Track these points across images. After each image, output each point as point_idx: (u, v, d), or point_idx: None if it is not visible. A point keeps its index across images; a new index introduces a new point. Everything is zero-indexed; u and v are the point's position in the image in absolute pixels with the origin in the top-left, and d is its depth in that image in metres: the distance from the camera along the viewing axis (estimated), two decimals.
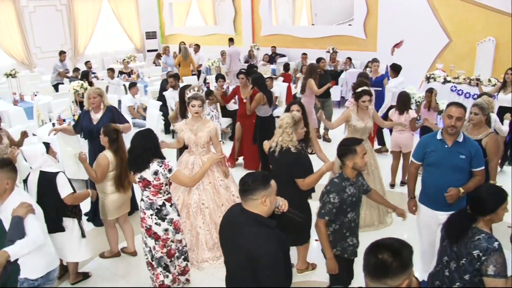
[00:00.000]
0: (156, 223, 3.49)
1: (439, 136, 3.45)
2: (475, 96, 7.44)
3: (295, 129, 3.66)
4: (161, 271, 3.63)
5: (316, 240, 3.38)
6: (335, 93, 9.97)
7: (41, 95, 9.23)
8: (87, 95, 4.94)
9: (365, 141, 4.76)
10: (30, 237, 2.83)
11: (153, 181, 3.39)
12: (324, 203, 3.08)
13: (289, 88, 9.02)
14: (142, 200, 3.56)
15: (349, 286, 3.33)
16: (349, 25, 13.14)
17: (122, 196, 4.32)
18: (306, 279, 4.14)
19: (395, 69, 7.33)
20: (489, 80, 8.02)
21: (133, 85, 8.37)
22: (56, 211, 3.72)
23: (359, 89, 4.94)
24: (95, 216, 5.18)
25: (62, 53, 11.34)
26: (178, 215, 3.62)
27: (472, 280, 2.51)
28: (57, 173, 3.70)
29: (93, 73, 10.91)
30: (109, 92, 9.68)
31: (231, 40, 12.53)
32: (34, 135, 6.79)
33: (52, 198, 3.67)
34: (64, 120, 6.70)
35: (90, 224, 5.25)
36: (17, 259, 2.85)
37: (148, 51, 16.82)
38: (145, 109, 8.31)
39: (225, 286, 2.55)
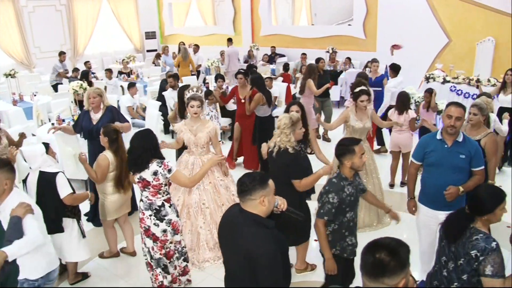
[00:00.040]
0: (154, 224, 3.49)
1: (438, 136, 3.45)
2: (475, 96, 7.43)
3: (293, 130, 3.65)
4: (160, 272, 3.63)
5: (315, 240, 3.38)
6: (335, 93, 9.97)
7: (41, 95, 9.23)
8: (87, 95, 4.94)
9: (364, 141, 4.77)
10: (28, 237, 2.82)
11: (152, 182, 3.39)
12: (323, 203, 3.08)
13: (288, 88, 9.02)
14: (141, 200, 3.56)
15: (347, 286, 3.33)
16: (349, 25, 13.15)
17: (122, 196, 4.31)
18: (305, 279, 4.14)
19: (394, 69, 7.34)
20: (489, 80, 8.02)
21: (132, 85, 8.37)
22: (55, 211, 3.72)
23: (357, 89, 4.94)
24: (95, 216, 5.18)
25: (62, 53, 11.35)
26: (177, 216, 3.61)
27: (470, 280, 2.51)
28: (56, 173, 3.71)
29: (93, 73, 10.91)
30: (107, 93, 9.65)
31: (229, 40, 12.54)
32: (33, 135, 6.79)
33: (52, 198, 3.67)
34: (63, 120, 6.69)
35: (89, 224, 5.25)
36: (15, 260, 2.84)
37: (148, 51, 16.83)
38: (144, 109, 8.31)
39: (224, 286, 2.55)
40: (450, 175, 3.36)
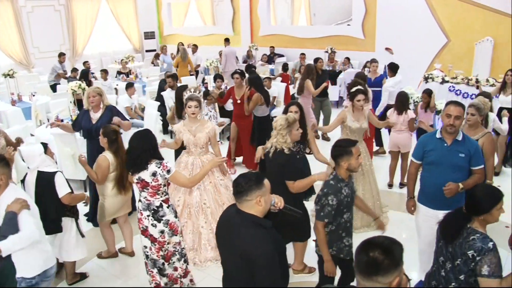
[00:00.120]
0: (152, 224, 3.48)
1: (438, 135, 3.46)
2: (473, 96, 7.44)
3: (289, 131, 3.65)
4: (156, 272, 3.62)
5: (314, 240, 3.38)
6: (333, 93, 9.97)
7: (39, 95, 9.24)
8: (87, 94, 4.95)
9: (360, 142, 4.76)
10: (23, 233, 2.80)
11: (151, 182, 3.38)
12: (322, 206, 3.08)
13: (287, 89, 9.02)
14: (139, 201, 3.55)
15: (341, 286, 3.34)
16: (348, 25, 13.15)
17: (122, 197, 4.30)
18: (302, 280, 4.13)
19: (393, 68, 7.33)
20: (487, 80, 8.04)
21: (129, 85, 8.36)
22: (55, 211, 3.73)
23: (354, 89, 4.94)
24: (94, 217, 5.16)
25: (61, 54, 11.35)
26: (176, 216, 3.59)
27: (467, 280, 2.51)
28: (55, 172, 3.72)
29: (92, 73, 10.90)
30: None
31: (226, 40, 12.54)
32: (32, 135, 6.78)
33: (51, 198, 3.67)
34: (62, 120, 6.69)
35: (89, 224, 5.25)
36: (10, 257, 2.82)
37: (147, 51, 16.83)
38: (143, 110, 8.31)
39: (222, 286, 2.55)
40: (449, 174, 3.36)
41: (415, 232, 3.93)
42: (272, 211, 2.42)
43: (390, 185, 6.13)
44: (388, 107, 6.94)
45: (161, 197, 3.48)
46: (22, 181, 3.83)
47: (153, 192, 3.43)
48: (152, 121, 7.06)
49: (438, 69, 9.21)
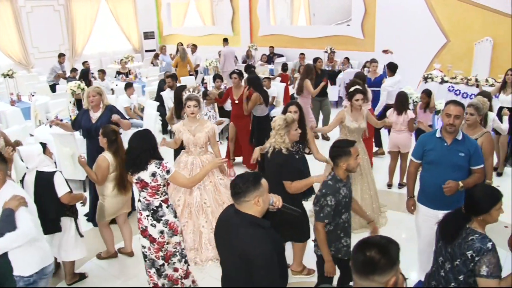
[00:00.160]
0: (151, 225, 3.47)
1: (438, 134, 3.46)
2: (472, 96, 7.44)
3: (287, 131, 3.64)
4: (154, 273, 3.62)
5: (313, 240, 3.38)
6: (333, 93, 9.97)
7: (39, 95, 9.23)
8: (87, 93, 4.95)
9: (358, 142, 4.76)
10: (20, 230, 2.78)
11: (151, 183, 3.37)
12: (322, 207, 3.08)
13: (286, 89, 9.02)
14: (139, 201, 3.55)
15: (338, 286, 3.34)
16: (347, 25, 13.13)
17: (122, 197, 4.30)
18: (300, 281, 4.12)
19: (391, 68, 7.33)
20: (487, 80, 8.04)
21: (129, 85, 8.36)
22: (55, 210, 3.73)
23: (352, 88, 4.94)
24: (94, 216, 5.16)
25: (61, 55, 11.36)
26: (175, 216, 3.58)
27: (466, 280, 2.51)
28: (54, 172, 3.72)
29: (92, 73, 10.89)
30: None
31: (225, 40, 12.54)
32: (31, 135, 6.78)
33: (51, 198, 3.67)
34: (61, 121, 6.68)
35: (89, 224, 5.24)
36: (7, 254, 2.81)
37: (146, 51, 16.81)
38: (142, 110, 8.31)
39: (220, 286, 2.55)
40: (449, 173, 3.35)
41: (415, 232, 3.93)
42: (270, 211, 2.42)
43: (390, 185, 6.13)
44: (386, 107, 6.94)
45: (161, 197, 3.47)
46: (21, 181, 3.83)
47: (152, 192, 3.42)
48: (151, 121, 7.07)
49: (437, 69, 9.21)
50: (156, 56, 13.66)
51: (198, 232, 4.45)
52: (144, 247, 3.57)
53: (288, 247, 4.06)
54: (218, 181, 4.59)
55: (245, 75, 7.26)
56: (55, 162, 4.47)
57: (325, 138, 8.16)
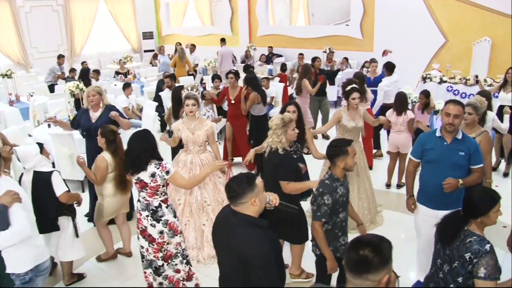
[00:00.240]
0: (151, 225, 3.47)
1: (438, 133, 3.46)
2: (471, 96, 7.44)
3: (284, 131, 3.64)
4: (150, 273, 3.61)
5: (311, 240, 3.38)
6: (332, 93, 9.96)
7: (37, 95, 9.22)
8: (87, 93, 4.95)
9: (355, 141, 4.76)
10: (14, 228, 2.72)
11: (150, 183, 3.37)
12: (319, 206, 3.08)
13: (285, 89, 9.02)
14: (138, 201, 3.54)
15: (331, 286, 3.34)
16: (346, 25, 13.14)
17: (121, 197, 4.29)
18: (298, 286, 4.07)
19: (389, 68, 7.32)
20: (485, 80, 8.04)
21: (127, 85, 8.36)
22: (55, 210, 3.72)
23: (348, 87, 4.94)
24: None
25: (60, 56, 11.35)
26: (175, 216, 3.57)
27: (465, 282, 2.50)
28: (51, 172, 3.71)
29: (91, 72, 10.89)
30: None
31: (222, 40, 12.55)
32: (30, 135, 6.77)
33: (49, 198, 3.67)
34: None
35: (89, 224, 5.22)
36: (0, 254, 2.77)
37: (145, 51, 16.81)
38: (141, 110, 8.31)
39: (218, 286, 2.55)
40: (449, 172, 3.35)
41: (413, 232, 3.93)
42: (268, 209, 2.42)
43: (388, 185, 6.12)
44: (383, 106, 6.94)
45: (160, 197, 3.47)
46: (19, 182, 3.82)
47: (151, 193, 3.42)
48: (150, 121, 7.07)
49: (436, 69, 9.21)
50: (155, 56, 13.65)
51: (199, 231, 4.47)
52: (142, 247, 3.56)
53: (286, 248, 4.05)
54: (217, 179, 4.61)
55: (242, 75, 7.24)
56: (52, 163, 4.48)
57: (325, 137, 8.15)
